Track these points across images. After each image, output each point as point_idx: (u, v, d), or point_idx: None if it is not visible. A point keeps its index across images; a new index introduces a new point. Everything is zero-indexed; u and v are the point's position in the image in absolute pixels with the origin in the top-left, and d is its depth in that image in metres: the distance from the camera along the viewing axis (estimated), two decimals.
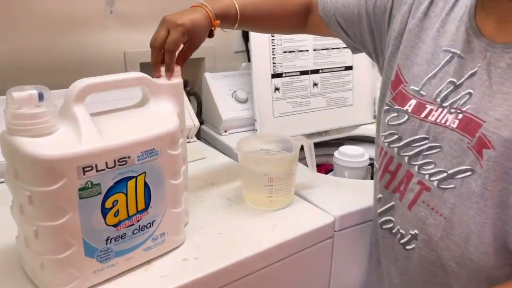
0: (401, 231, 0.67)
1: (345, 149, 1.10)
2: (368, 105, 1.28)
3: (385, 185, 0.69)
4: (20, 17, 0.96)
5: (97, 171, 0.53)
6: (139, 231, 0.59)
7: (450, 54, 0.62)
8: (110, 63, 1.09)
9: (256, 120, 1.09)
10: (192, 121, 1.05)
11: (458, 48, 0.62)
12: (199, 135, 1.17)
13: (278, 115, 1.13)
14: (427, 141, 0.63)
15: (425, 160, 0.63)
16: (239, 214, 0.74)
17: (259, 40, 1.08)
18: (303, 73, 1.16)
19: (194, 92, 1.23)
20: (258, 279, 0.66)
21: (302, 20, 0.83)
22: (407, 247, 0.67)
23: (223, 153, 1.05)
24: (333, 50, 1.20)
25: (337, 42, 1.19)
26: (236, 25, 0.76)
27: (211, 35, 0.73)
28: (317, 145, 1.25)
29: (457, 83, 0.61)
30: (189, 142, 1.07)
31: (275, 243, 0.67)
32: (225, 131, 1.12)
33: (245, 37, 1.26)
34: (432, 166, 0.62)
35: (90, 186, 0.52)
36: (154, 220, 0.60)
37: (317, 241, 0.73)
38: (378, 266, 0.76)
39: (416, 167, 0.64)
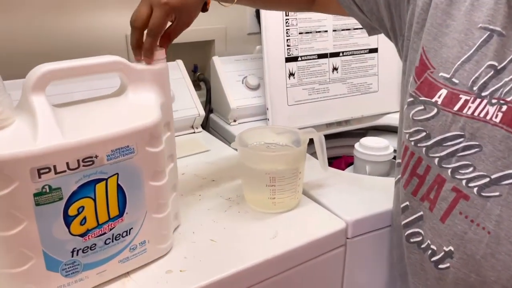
0: (432, 246, 0.57)
1: (367, 140, 0.99)
2: (395, 92, 1.15)
3: (412, 191, 0.59)
4: None
5: (56, 173, 0.45)
6: (112, 241, 0.51)
7: (488, 32, 0.51)
8: (111, 47, 1.01)
9: (267, 109, 1.00)
10: (196, 110, 0.97)
11: (498, 24, 0.51)
12: (208, 125, 1.09)
13: (293, 103, 1.03)
14: (462, 139, 0.52)
15: (460, 163, 0.53)
16: (238, 218, 0.66)
17: (271, 20, 0.98)
18: (322, 56, 1.05)
19: (204, 77, 1.14)
20: None
21: None
22: (440, 266, 0.56)
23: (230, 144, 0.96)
24: (355, 30, 1.08)
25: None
26: None
27: (205, 9, 0.62)
28: (337, 136, 1.15)
29: (498, 67, 0.50)
30: (193, 133, 0.98)
31: (275, 253, 0.58)
32: (234, 121, 1.03)
33: (260, 18, 1.15)
34: (471, 169, 0.52)
35: (48, 190, 0.45)
36: (132, 228, 0.52)
37: (326, 250, 0.63)
38: (405, 283, 0.65)
39: (449, 170, 0.54)
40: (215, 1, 0.64)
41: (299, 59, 1.03)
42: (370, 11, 0.65)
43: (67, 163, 0.45)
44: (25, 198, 0.44)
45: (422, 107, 0.56)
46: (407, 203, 0.60)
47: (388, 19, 0.63)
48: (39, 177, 0.44)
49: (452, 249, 0.54)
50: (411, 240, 0.60)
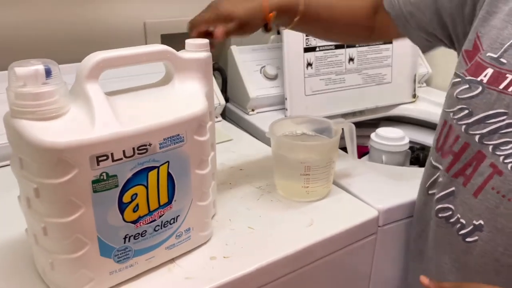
0: (461, 220, 0.58)
1: (384, 131, 1.01)
2: (408, 83, 1.17)
3: (446, 168, 0.60)
4: None
5: (113, 160, 0.45)
6: (161, 228, 0.52)
7: None
8: (129, 35, 1.01)
9: (286, 99, 1.01)
10: (217, 99, 0.97)
11: None
12: (224, 114, 1.09)
13: (310, 93, 1.04)
14: (505, 116, 0.53)
15: (502, 139, 0.53)
16: (271, 206, 0.67)
17: None
18: (338, 46, 1.06)
19: (219, 67, 1.14)
20: (293, 280, 0.59)
21: (370, 21, 0.71)
22: (468, 239, 0.58)
23: (250, 133, 0.97)
24: None
25: None
26: (296, 19, 0.65)
27: (267, 29, 0.64)
28: None
29: None
30: None
31: (313, 241, 0.59)
32: (253, 110, 1.04)
33: None
34: (510, 146, 0.53)
35: (105, 178, 0.45)
36: (179, 215, 0.53)
37: (359, 238, 0.65)
38: (421, 262, 0.67)
39: (491, 147, 0.54)
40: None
41: (317, 49, 1.03)
42: (428, 21, 0.65)
43: (124, 151, 0.46)
44: (83, 185, 0.44)
45: (467, 86, 0.56)
46: (441, 179, 0.61)
47: (451, 24, 0.64)
48: (98, 164, 0.44)
49: (482, 222, 0.56)
50: (440, 215, 0.61)
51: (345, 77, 1.08)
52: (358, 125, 1.19)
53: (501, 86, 0.53)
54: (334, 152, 0.67)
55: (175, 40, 1.03)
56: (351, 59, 1.08)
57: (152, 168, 0.48)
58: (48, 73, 0.44)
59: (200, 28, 0.60)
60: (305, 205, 0.67)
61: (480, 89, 0.55)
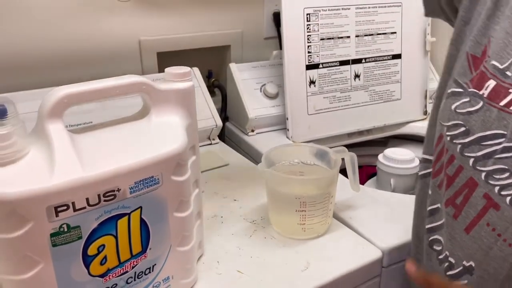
0: (450, 259, 0.51)
1: (392, 152, 0.95)
2: (419, 99, 1.11)
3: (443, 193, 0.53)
4: (15, 0, 0.84)
5: (75, 210, 0.40)
6: (134, 279, 0.47)
7: None
8: (123, 54, 0.96)
9: (287, 118, 0.95)
10: (214, 120, 0.92)
11: None
12: (223, 135, 1.04)
13: (313, 112, 0.98)
14: (503, 139, 0.45)
15: (496, 166, 0.46)
16: (265, 245, 0.61)
17: (292, 25, 0.93)
18: (343, 63, 1.00)
19: (219, 84, 1.10)
20: None
21: None
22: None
23: (249, 155, 0.92)
24: (378, 36, 1.03)
25: (383, 26, 1.03)
26: None
27: None
28: (357, 145, 1.10)
29: None
30: (210, 144, 0.94)
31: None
32: (252, 131, 0.98)
33: (277, 21, 1.10)
34: (506, 175, 0.45)
35: (66, 230, 0.40)
36: (155, 264, 0.48)
37: (361, 281, 0.59)
38: None
39: (483, 174, 0.46)
40: None
41: (320, 66, 0.98)
42: None
43: (87, 199, 0.41)
44: (40, 239, 0.39)
45: (467, 99, 0.49)
46: (439, 205, 0.53)
47: None
48: (56, 215, 0.39)
49: (473, 265, 0.48)
50: (434, 247, 0.54)
51: (351, 95, 1.02)
52: (365, 143, 1.14)
53: (502, 103, 0.45)
54: (333, 186, 0.61)
55: (171, 58, 0.99)
56: (357, 76, 1.02)
57: (122, 215, 0.43)
58: (2, 113, 0.39)
59: None
60: (301, 243, 0.61)
61: (480, 104, 0.47)
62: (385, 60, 1.05)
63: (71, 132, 0.43)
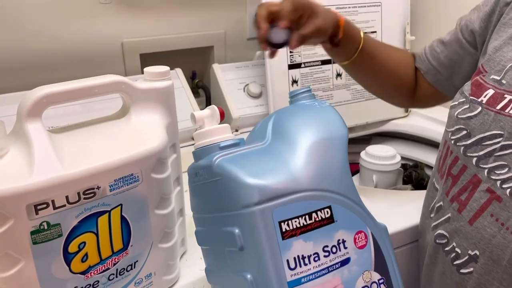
0: (456, 249, 0.55)
1: (373, 149, 0.96)
2: None
3: (446, 191, 0.57)
4: None
5: (54, 208, 0.41)
6: (116, 276, 0.47)
7: None
8: (106, 55, 0.96)
9: None
10: None
11: None
12: None
13: None
14: (501, 138, 0.51)
15: (497, 163, 0.51)
16: None
17: None
18: (325, 62, 1.02)
19: (203, 85, 1.10)
20: None
21: (412, 80, 0.73)
22: (462, 271, 0.55)
23: None
24: None
25: (363, 26, 1.05)
26: (359, 47, 0.68)
27: (334, 41, 0.65)
28: None
29: None
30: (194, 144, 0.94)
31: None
32: (236, 130, 0.99)
33: None
34: (506, 170, 0.50)
35: (46, 227, 0.41)
36: (137, 261, 0.49)
37: None
38: None
39: (486, 171, 0.52)
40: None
41: (302, 65, 0.99)
42: (455, 61, 0.67)
43: (67, 197, 0.41)
44: (21, 237, 0.40)
45: (467, 106, 0.55)
46: (441, 203, 0.58)
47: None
48: (36, 213, 0.40)
49: (478, 253, 0.53)
50: (438, 241, 0.59)
51: (333, 93, 1.04)
52: (349, 141, 1.15)
53: (498, 107, 0.51)
54: None
55: (154, 60, 0.99)
56: (338, 75, 1.04)
57: (102, 213, 0.44)
58: None
59: (284, 19, 0.59)
60: None
61: (479, 109, 0.53)
62: None
63: (51, 131, 0.44)
